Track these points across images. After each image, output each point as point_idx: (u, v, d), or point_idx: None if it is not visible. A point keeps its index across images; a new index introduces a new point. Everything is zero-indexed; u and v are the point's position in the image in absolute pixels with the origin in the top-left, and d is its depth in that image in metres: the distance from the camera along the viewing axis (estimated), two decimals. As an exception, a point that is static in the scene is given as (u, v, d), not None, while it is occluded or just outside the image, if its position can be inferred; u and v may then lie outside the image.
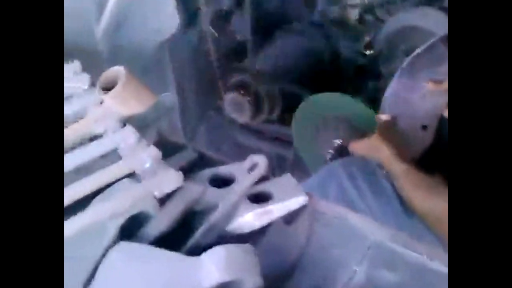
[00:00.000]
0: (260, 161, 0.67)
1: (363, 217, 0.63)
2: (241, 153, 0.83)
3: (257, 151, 1.04)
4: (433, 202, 0.85)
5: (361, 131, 1.24)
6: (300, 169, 1.38)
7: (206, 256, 0.53)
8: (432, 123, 1.11)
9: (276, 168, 1.46)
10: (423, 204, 0.89)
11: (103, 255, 0.57)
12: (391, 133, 1.10)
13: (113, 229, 0.60)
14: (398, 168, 1.01)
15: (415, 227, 0.91)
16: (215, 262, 0.52)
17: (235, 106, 1.46)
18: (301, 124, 1.36)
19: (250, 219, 0.62)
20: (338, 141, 1.26)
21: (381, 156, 1.06)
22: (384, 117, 1.16)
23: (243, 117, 1.48)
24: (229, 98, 1.45)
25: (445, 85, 1.08)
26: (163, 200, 0.64)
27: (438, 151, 1.13)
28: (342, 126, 1.26)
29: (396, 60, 1.36)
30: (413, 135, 1.13)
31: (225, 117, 1.54)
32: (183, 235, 0.62)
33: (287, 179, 0.66)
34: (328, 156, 1.26)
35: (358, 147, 1.14)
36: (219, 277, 0.51)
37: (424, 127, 1.12)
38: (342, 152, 1.24)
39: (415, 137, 1.13)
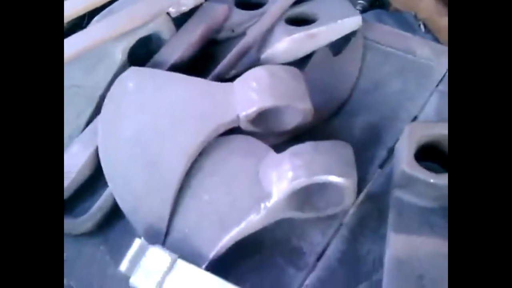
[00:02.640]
0: (301, -24, 0.52)
1: (433, 45, 0.51)
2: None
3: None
4: None
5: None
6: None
7: (241, 79, 0.41)
8: None
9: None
10: None
11: (111, 83, 0.45)
12: None
13: (119, 53, 0.47)
14: (444, 21, 0.86)
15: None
16: (254, 85, 0.40)
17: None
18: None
19: (289, 45, 0.49)
20: (370, -10, 1.09)
21: (424, 6, 0.91)
22: None
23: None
24: None
25: None
26: (179, 23, 0.51)
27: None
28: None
29: None
30: None
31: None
32: (204, 67, 0.50)
33: (335, -1, 0.52)
34: (359, 7, 1.10)
35: None
36: (259, 102, 0.39)
37: None
38: (374, 3, 1.08)
39: None
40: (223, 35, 0.53)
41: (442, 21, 0.88)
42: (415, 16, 0.95)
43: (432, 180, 0.34)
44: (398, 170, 0.36)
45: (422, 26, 0.94)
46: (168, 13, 0.49)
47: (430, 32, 0.93)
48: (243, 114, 0.41)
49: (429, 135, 0.36)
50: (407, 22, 0.96)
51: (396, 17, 0.98)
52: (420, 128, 0.36)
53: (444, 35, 0.88)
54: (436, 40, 0.91)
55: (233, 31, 0.53)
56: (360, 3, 1.12)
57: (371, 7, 1.11)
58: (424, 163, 0.37)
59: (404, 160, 0.35)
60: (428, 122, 0.41)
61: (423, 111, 0.46)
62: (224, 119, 0.41)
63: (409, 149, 0.35)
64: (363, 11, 1.10)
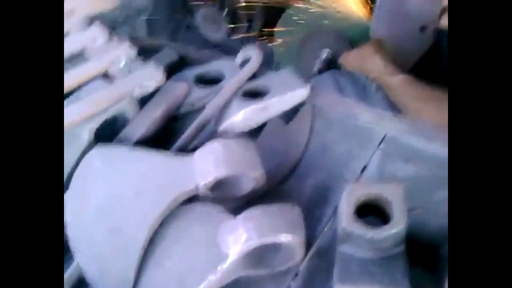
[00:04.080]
0: (254, 54, 0.59)
1: (375, 111, 0.57)
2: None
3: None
4: (444, 119, 0.77)
5: (353, 44, 1.16)
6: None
7: (200, 152, 0.46)
8: (430, 24, 1.04)
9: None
10: (433, 118, 0.82)
11: (78, 162, 0.49)
12: (385, 45, 1.03)
13: (86, 134, 0.52)
14: (396, 79, 0.94)
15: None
16: (211, 157, 0.45)
17: (209, 22, 1.34)
18: (285, 35, 1.26)
19: (244, 117, 0.55)
20: (326, 53, 1.18)
21: (375, 67, 0.99)
22: (374, 38, 1.08)
23: (218, 35, 1.36)
24: (202, 12, 1.32)
25: None
26: (142, 102, 0.56)
27: (437, 57, 1.07)
28: (331, 37, 1.17)
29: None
30: (410, 37, 1.06)
31: (197, 35, 1.42)
32: (166, 142, 0.55)
33: (286, 73, 0.59)
34: (315, 68, 1.18)
35: (349, 57, 1.06)
36: (216, 172, 0.44)
37: (423, 28, 1.05)
38: (330, 64, 1.17)
39: (413, 40, 1.06)
40: (184, 110, 0.58)
41: (390, 80, 0.96)
42: (367, 76, 1.03)
43: (369, 235, 0.39)
44: (340, 227, 0.41)
45: (373, 85, 1.02)
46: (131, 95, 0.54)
47: (380, 90, 1.01)
48: (201, 183, 0.45)
49: (365, 194, 0.41)
50: (359, 81, 1.04)
51: (350, 77, 1.06)
52: (357, 189, 0.41)
53: (393, 93, 0.96)
54: (387, 97, 0.99)
55: (193, 105, 0.58)
56: (317, 63, 1.21)
57: (328, 68, 1.20)
58: (366, 218, 0.42)
59: (344, 218, 0.40)
60: (365, 183, 0.46)
61: (366, 170, 0.52)
62: (185, 189, 0.45)
63: (348, 208, 0.40)
64: (320, 71, 1.19)
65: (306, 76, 1.17)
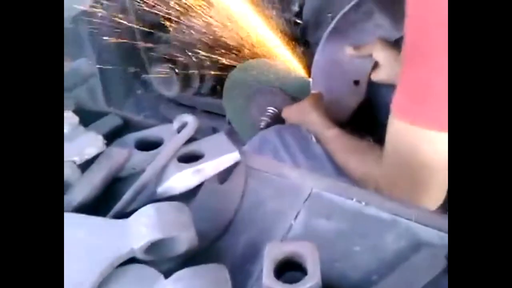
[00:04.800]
0: (190, 121, 0.63)
1: (300, 170, 0.62)
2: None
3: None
4: (369, 167, 0.85)
5: (295, 99, 1.23)
6: (234, 141, 1.35)
7: (134, 216, 0.50)
8: (363, 78, 1.13)
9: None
10: (358, 169, 0.89)
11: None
12: (324, 97, 1.11)
13: (28, 200, 0.54)
14: (329, 133, 1.00)
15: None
16: (144, 221, 0.48)
17: (162, 80, 1.40)
18: (232, 94, 1.33)
19: (181, 179, 0.59)
20: (271, 109, 1.25)
21: (311, 120, 1.05)
22: (314, 92, 1.16)
23: (171, 91, 1.42)
24: (156, 71, 1.38)
25: (367, 49, 1.10)
26: (84, 167, 0.60)
27: (369, 110, 1.15)
28: (275, 94, 1.25)
29: (323, 26, 1.36)
30: (346, 90, 1.15)
31: (152, 91, 1.48)
32: (109, 202, 0.58)
33: (218, 137, 0.63)
34: (262, 124, 1.24)
35: (289, 112, 1.13)
36: (149, 235, 0.47)
37: (356, 82, 1.14)
38: (276, 120, 1.23)
39: (349, 92, 1.15)
40: (125, 173, 0.62)
41: (325, 133, 1.02)
42: (307, 129, 1.10)
43: (287, 292, 0.42)
44: (262, 284, 0.44)
45: (313, 137, 1.08)
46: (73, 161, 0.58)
47: (319, 142, 1.07)
48: (136, 247, 0.48)
49: (283, 252, 0.45)
50: (301, 134, 1.10)
51: (293, 130, 1.12)
52: (276, 248, 0.45)
53: (327, 146, 1.02)
54: (325, 150, 1.04)
55: (134, 169, 0.62)
56: (264, 120, 1.28)
57: (274, 121, 1.26)
58: (289, 273, 0.46)
59: (265, 276, 0.44)
60: (283, 242, 0.51)
61: (293, 226, 0.56)
62: (120, 252, 0.48)
63: (268, 266, 0.44)
64: (266, 126, 1.25)
65: (253, 132, 1.24)
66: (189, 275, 0.44)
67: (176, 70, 1.38)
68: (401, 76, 0.68)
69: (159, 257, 0.50)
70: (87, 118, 0.66)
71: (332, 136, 0.97)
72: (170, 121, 0.68)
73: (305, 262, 0.44)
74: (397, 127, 0.69)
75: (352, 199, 0.57)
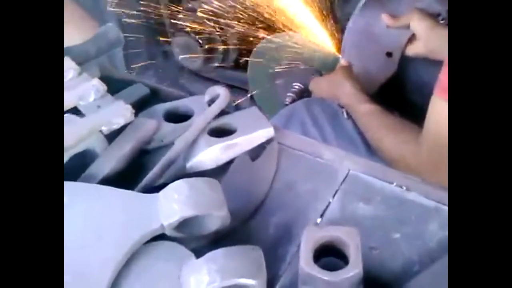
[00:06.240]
0: (222, 93, 0.60)
1: (336, 149, 0.58)
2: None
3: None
4: (405, 148, 0.80)
5: (321, 74, 1.19)
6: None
7: (165, 191, 0.47)
8: (396, 51, 1.08)
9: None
10: (392, 149, 0.85)
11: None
12: (352, 72, 1.07)
13: (54, 169, 0.52)
14: (364, 108, 0.96)
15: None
16: (176, 197, 0.45)
17: (185, 50, 1.36)
18: (258, 68, 1.29)
19: (211, 154, 0.56)
20: (298, 85, 1.21)
21: (344, 93, 1.01)
22: (343, 62, 1.12)
23: (194, 63, 1.38)
24: (178, 40, 1.34)
25: (404, 19, 1.05)
26: (111, 137, 0.57)
27: (400, 84, 1.11)
28: (301, 69, 1.20)
29: (353, 1, 1.31)
30: (377, 62, 1.10)
31: (174, 63, 1.44)
32: (136, 176, 0.55)
33: (252, 112, 0.60)
34: (287, 100, 1.20)
35: (319, 84, 1.09)
36: (181, 212, 0.45)
37: (389, 54, 1.09)
38: (302, 96, 1.20)
39: (380, 64, 1.10)
40: (153, 145, 0.59)
41: (358, 108, 0.98)
42: (338, 104, 1.06)
43: (326, 278, 0.40)
44: (300, 269, 0.42)
45: (344, 112, 1.04)
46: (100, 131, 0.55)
47: (350, 117, 1.03)
48: (166, 223, 0.46)
49: (323, 237, 0.42)
50: (331, 109, 1.07)
51: (322, 104, 1.08)
52: (315, 232, 0.42)
53: (360, 121, 0.98)
54: (355, 125, 1.01)
55: (162, 141, 0.59)
56: (290, 95, 1.24)
57: (300, 98, 1.22)
58: (327, 258, 0.44)
59: (303, 261, 0.41)
60: (322, 227, 0.48)
61: (328, 209, 0.53)
62: (150, 228, 0.46)
63: (306, 251, 0.41)
64: (292, 102, 1.22)
65: (277, 108, 1.20)
66: (223, 256, 0.42)
67: (200, 42, 1.33)
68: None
69: (189, 235, 0.48)
70: (113, 87, 0.63)
71: (367, 111, 0.93)
72: (191, 94, 0.65)
73: (346, 249, 0.42)
74: (441, 108, 0.65)
75: (392, 183, 0.53)
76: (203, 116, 0.58)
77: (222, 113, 0.60)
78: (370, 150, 0.92)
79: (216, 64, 1.40)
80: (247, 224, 0.52)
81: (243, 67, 1.36)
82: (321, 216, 0.53)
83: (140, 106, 0.63)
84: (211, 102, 0.61)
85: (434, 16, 1.04)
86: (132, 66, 1.44)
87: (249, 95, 1.40)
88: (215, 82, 1.50)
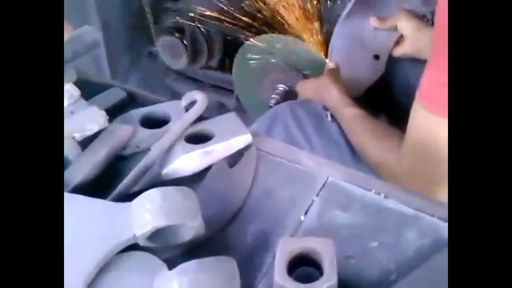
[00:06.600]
0: (199, 98, 0.59)
1: (315, 156, 0.58)
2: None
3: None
4: (387, 154, 0.80)
5: (306, 76, 1.18)
6: (242, 118, 1.31)
7: (137, 200, 0.46)
8: (384, 53, 1.08)
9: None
10: (375, 155, 0.84)
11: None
12: (339, 75, 1.06)
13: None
14: (349, 112, 0.95)
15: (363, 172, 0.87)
16: (149, 206, 0.44)
17: (170, 51, 1.34)
18: (243, 69, 1.28)
19: (188, 161, 0.55)
20: (282, 87, 1.20)
21: (330, 97, 1.00)
22: (331, 64, 1.11)
23: (179, 64, 1.37)
24: (163, 42, 1.33)
25: (391, 21, 1.05)
26: (85, 144, 0.56)
27: (387, 86, 1.10)
28: (287, 71, 1.19)
29: (340, 4, 1.30)
30: (365, 65, 1.10)
31: (159, 64, 1.43)
32: (111, 182, 0.54)
33: (230, 118, 0.59)
34: (272, 102, 1.19)
35: (305, 86, 1.08)
36: (153, 222, 0.43)
37: (376, 57, 1.09)
38: (286, 98, 1.18)
39: (367, 67, 1.10)
40: (128, 151, 0.58)
41: (343, 112, 0.98)
42: (324, 106, 1.05)
43: (298, 291, 0.39)
44: (274, 282, 0.41)
45: (329, 116, 1.03)
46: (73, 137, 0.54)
47: (335, 120, 1.02)
48: (139, 233, 0.45)
49: (298, 248, 0.41)
50: (316, 111, 1.05)
51: (306, 106, 1.07)
52: (290, 243, 0.41)
53: (344, 124, 0.97)
54: (339, 128, 1.00)
55: (138, 147, 0.58)
56: (274, 97, 1.23)
57: (285, 100, 1.21)
58: (302, 268, 0.43)
59: (277, 273, 0.40)
60: (298, 238, 0.47)
61: (306, 217, 0.52)
62: (122, 238, 0.45)
63: (281, 262, 0.41)
64: (276, 104, 1.20)
65: (262, 109, 1.19)
66: (195, 268, 0.41)
67: (185, 42, 1.32)
68: (429, 63, 0.63)
69: (162, 245, 0.47)
70: (89, 91, 0.62)
71: (352, 115, 0.92)
72: (176, 94, 0.64)
73: (321, 260, 0.41)
74: (421, 116, 0.65)
75: (371, 190, 0.53)
76: (180, 122, 0.57)
77: (200, 118, 0.59)
78: (354, 153, 0.91)
79: (202, 65, 1.39)
80: (224, 232, 0.51)
81: (229, 67, 1.35)
82: (299, 225, 0.52)
83: (116, 110, 0.62)
84: (188, 107, 0.60)
85: (420, 17, 1.05)
86: (116, 67, 1.42)
87: (234, 95, 1.39)
88: (201, 82, 1.49)
